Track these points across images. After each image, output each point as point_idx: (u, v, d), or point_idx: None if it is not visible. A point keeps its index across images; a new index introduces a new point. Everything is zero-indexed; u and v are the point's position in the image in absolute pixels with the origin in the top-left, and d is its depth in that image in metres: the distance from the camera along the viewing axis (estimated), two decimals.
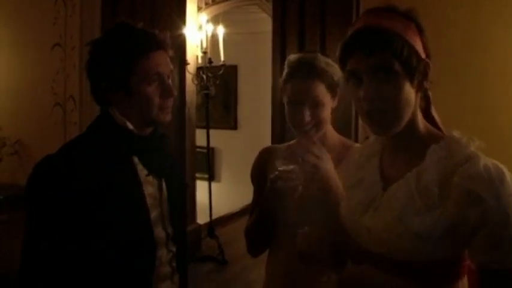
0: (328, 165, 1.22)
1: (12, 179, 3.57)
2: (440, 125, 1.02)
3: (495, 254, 0.85)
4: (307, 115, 1.29)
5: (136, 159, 1.23)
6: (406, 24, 0.92)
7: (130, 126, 1.21)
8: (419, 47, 0.92)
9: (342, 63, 0.96)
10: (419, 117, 0.98)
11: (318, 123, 1.31)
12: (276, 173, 1.20)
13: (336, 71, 1.32)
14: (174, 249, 1.30)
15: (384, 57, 0.89)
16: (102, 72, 1.19)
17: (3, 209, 3.31)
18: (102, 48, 1.21)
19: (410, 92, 0.91)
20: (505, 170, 0.86)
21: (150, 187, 1.24)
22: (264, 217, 1.37)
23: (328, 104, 1.33)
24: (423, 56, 0.93)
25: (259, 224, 1.40)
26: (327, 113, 1.32)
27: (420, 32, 0.94)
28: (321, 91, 1.30)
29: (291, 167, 1.19)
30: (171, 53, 1.25)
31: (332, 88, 1.33)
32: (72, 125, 3.22)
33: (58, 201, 1.10)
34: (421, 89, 0.95)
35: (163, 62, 1.21)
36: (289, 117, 1.33)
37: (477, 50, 2.17)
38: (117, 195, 1.15)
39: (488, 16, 2.18)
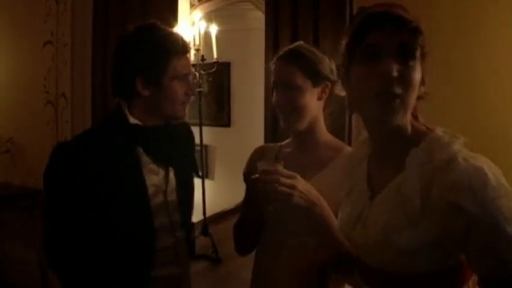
0: (302, 181, 1.20)
1: (5, 178, 3.54)
2: (427, 125, 0.97)
3: (492, 262, 0.80)
4: (282, 97, 1.31)
5: (140, 149, 1.33)
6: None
7: (133, 120, 1.33)
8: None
9: (359, 36, 0.90)
10: (409, 117, 0.93)
11: (295, 109, 1.30)
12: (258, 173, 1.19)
13: (321, 61, 1.32)
14: (180, 235, 1.39)
15: (410, 38, 0.87)
16: (139, 68, 1.30)
17: None
18: (138, 45, 1.32)
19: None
20: (488, 169, 0.80)
21: (154, 176, 1.35)
22: (248, 216, 1.38)
23: (309, 91, 1.31)
24: None
25: (244, 222, 1.40)
26: (306, 101, 1.30)
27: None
28: (297, 76, 1.29)
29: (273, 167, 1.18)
30: (190, 56, 1.39)
31: (313, 75, 1.31)
32: (64, 123, 3.19)
33: (70, 183, 1.25)
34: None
35: (188, 64, 1.39)
36: (273, 100, 1.36)
37: (470, 47, 2.17)
38: (118, 182, 1.26)
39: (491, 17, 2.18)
